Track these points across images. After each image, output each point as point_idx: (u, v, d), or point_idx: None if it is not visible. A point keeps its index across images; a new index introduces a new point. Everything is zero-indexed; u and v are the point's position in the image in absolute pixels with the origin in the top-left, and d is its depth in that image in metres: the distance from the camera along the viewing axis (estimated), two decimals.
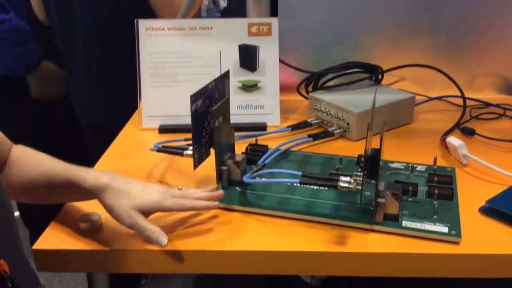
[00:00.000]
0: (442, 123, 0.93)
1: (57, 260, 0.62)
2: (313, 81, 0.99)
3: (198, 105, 0.66)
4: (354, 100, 0.92)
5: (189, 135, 0.84)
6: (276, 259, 0.61)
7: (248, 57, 0.95)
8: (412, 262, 0.60)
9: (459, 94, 0.99)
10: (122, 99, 1.14)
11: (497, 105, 0.99)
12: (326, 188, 0.70)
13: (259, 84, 0.96)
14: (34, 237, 1.55)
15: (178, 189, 0.67)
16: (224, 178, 0.71)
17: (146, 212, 0.61)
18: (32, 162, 0.66)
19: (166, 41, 0.94)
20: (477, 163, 0.77)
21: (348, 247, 0.60)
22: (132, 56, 0.94)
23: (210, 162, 0.71)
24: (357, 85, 1.01)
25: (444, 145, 0.84)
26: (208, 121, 0.70)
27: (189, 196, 0.65)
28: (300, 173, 0.63)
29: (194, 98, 0.65)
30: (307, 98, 1.02)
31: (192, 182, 0.75)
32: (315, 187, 0.71)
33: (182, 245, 0.61)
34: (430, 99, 1.02)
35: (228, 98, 0.71)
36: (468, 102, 0.97)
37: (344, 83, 1.00)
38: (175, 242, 0.62)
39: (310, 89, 1.00)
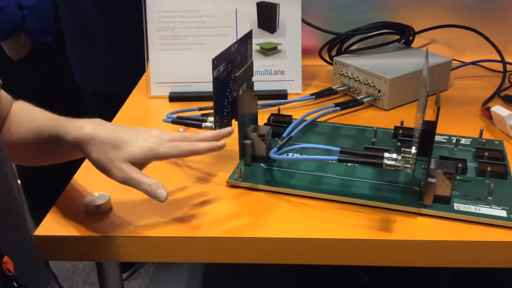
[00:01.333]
0: (480, 90, 0.85)
1: (61, 248, 0.55)
2: (338, 44, 0.90)
3: (220, 71, 0.57)
4: (385, 64, 0.83)
5: (203, 104, 0.77)
6: (311, 247, 0.53)
7: (267, 17, 0.85)
8: (468, 250, 0.52)
9: (495, 58, 0.90)
10: (127, 63, 1.05)
11: None
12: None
13: (279, 47, 0.86)
14: (37, 211, 1.49)
15: (180, 131, 0.58)
16: (248, 154, 0.63)
17: (140, 163, 0.53)
18: (27, 118, 0.58)
19: None
20: None
21: (394, 234, 0.53)
22: (136, 17, 0.85)
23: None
24: (386, 48, 0.92)
25: (487, 114, 0.75)
26: (230, 89, 0.61)
27: (190, 138, 0.55)
28: (338, 148, 0.55)
29: (216, 62, 0.56)
30: (330, 63, 0.93)
31: (209, 158, 0.67)
32: (349, 164, 0.63)
33: (202, 231, 0.54)
34: (466, 64, 0.93)
35: (252, 62, 0.63)
36: (508, 67, 0.89)
37: (371, 46, 0.91)
38: (193, 227, 0.54)
39: (333, 53, 0.91)
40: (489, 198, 0.56)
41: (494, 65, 0.92)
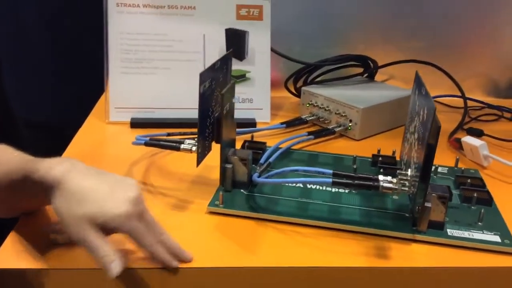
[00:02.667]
0: (443, 123, 0.86)
1: (19, 283, 0.47)
2: (305, 75, 0.89)
3: (205, 87, 0.54)
4: (355, 95, 0.83)
5: (170, 130, 0.72)
6: (309, 276, 0.49)
7: (236, 44, 0.83)
8: (467, 277, 0.50)
9: (454, 93, 0.93)
10: (74, 88, 0.99)
11: (498, 107, 0.93)
12: (347, 191, 0.60)
13: (247, 75, 0.84)
14: None
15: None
16: (228, 179, 0.58)
17: (102, 227, 0.44)
18: None
19: (141, 20, 0.81)
20: (497, 164, 0.70)
21: (393, 261, 0.50)
22: (85, 38, 0.80)
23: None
24: (351, 80, 0.92)
25: (456, 146, 0.76)
26: (212, 108, 0.57)
27: (155, 232, 0.47)
28: (330, 171, 0.53)
29: (202, 77, 0.52)
30: (295, 95, 0.92)
31: (184, 184, 0.62)
32: (333, 190, 0.60)
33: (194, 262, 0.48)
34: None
35: (234, 83, 0.59)
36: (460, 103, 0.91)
37: (335, 78, 0.91)
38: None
39: (299, 84, 0.90)
40: (479, 223, 0.55)
41: (452, 101, 0.94)
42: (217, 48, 0.83)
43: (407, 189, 0.51)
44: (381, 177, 0.52)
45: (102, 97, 0.92)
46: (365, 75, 0.94)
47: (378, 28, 0.99)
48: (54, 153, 0.52)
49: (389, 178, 0.52)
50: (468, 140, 0.73)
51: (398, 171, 0.53)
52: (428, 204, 0.51)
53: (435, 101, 0.97)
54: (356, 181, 0.51)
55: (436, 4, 0.98)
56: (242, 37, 0.83)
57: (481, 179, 0.64)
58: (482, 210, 0.55)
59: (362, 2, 0.96)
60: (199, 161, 0.56)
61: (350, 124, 0.79)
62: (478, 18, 1.00)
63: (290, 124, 0.81)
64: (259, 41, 0.83)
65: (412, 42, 0.99)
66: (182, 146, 0.58)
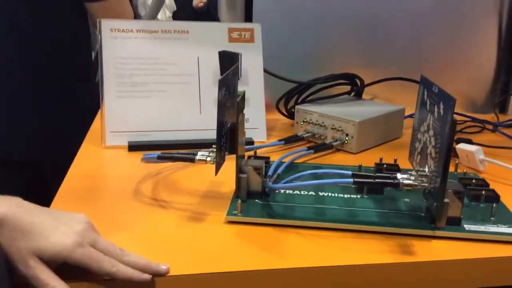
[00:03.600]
0: None
1: None
2: (296, 95, 0.91)
3: (222, 94, 0.54)
4: (349, 110, 0.85)
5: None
6: (340, 275, 0.49)
7: (230, 65, 0.83)
8: (490, 267, 0.51)
9: None
10: (54, 119, 0.97)
11: (480, 120, 0.97)
12: (359, 196, 0.61)
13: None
14: None
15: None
16: (243, 189, 0.58)
17: (50, 261, 0.43)
18: None
19: (135, 45, 0.81)
20: (492, 168, 0.73)
21: (418, 257, 0.50)
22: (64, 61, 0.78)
23: (205, 173, 0.59)
24: (339, 99, 0.94)
25: (451, 154, 0.79)
26: (225, 118, 0.58)
27: (115, 254, 0.45)
28: (349, 172, 0.53)
29: (220, 83, 0.53)
30: (286, 116, 0.93)
31: (196, 199, 0.62)
32: (346, 196, 0.61)
33: (213, 267, 0.47)
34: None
35: (245, 92, 0.60)
36: None
37: (324, 97, 0.93)
38: (203, 264, 0.48)
39: (290, 105, 0.92)
40: (492, 218, 0.57)
41: None
42: (211, 70, 0.84)
43: (427, 184, 0.52)
44: (399, 175, 0.53)
45: (94, 123, 0.91)
46: (353, 93, 0.97)
47: (360, 52, 1.02)
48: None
49: (406, 175, 0.53)
50: (463, 146, 0.76)
51: (417, 167, 0.54)
52: (446, 200, 0.53)
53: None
54: (376, 180, 0.52)
55: (417, 28, 1.03)
56: (235, 58, 0.84)
57: (483, 180, 0.66)
58: (494, 205, 0.57)
59: (341, 28, 1.00)
60: (217, 170, 0.56)
61: (346, 138, 0.80)
62: (457, 40, 1.05)
63: (288, 140, 0.82)
64: (251, 62, 0.85)
65: (394, 63, 1.03)
66: (197, 157, 0.58)
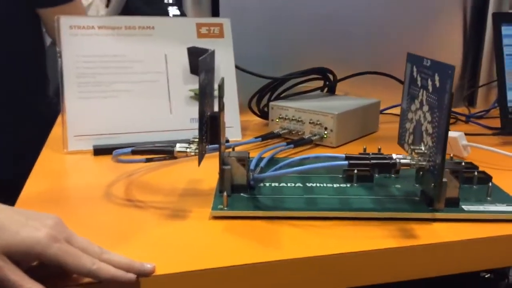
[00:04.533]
0: None
1: None
2: (268, 93, 0.87)
3: (202, 78, 0.50)
4: (325, 104, 0.82)
5: (137, 158, 0.65)
6: (339, 262, 0.45)
7: None
8: (492, 246, 0.49)
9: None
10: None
11: (454, 112, 0.96)
12: (349, 185, 0.58)
13: (214, 93, 0.81)
14: None
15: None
16: (227, 182, 0.54)
17: (19, 259, 0.38)
18: None
19: (97, 42, 0.76)
20: (475, 153, 0.71)
21: (420, 240, 0.47)
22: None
23: (181, 172, 0.55)
24: (312, 95, 0.91)
25: None
26: (205, 107, 0.53)
27: (93, 252, 0.40)
28: (342, 155, 0.50)
29: (201, 63, 0.48)
30: (259, 116, 0.90)
31: (175, 197, 0.57)
32: (335, 185, 0.57)
33: (206, 263, 0.43)
34: (391, 107, 0.96)
35: (223, 79, 0.56)
36: None
37: (296, 93, 0.89)
38: (194, 259, 0.43)
39: (262, 103, 0.88)
40: (489, 198, 0.54)
41: None
42: (180, 67, 0.79)
43: (425, 163, 0.49)
44: (394, 155, 0.50)
45: (54, 129, 0.85)
46: (326, 89, 0.94)
47: (332, 48, 1.00)
48: None
49: (401, 155, 0.50)
50: None
51: (412, 147, 0.51)
52: (444, 179, 0.50)
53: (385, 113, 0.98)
54: (372, 161, 0.49)
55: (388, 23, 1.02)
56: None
57: (471, 163, 0.65)
58: (490, 184, 0.55)
59: (314, 22, 0.98)
60: (200, 160, 0.51)
61: (325, 132, 0.77)
62: (424, 35, 1.05)
63: (265, 137, 0.78)
64: (222, 59, 0.81)
65: (364, 59, 1.01)
66: (176, 148, 0.53)
